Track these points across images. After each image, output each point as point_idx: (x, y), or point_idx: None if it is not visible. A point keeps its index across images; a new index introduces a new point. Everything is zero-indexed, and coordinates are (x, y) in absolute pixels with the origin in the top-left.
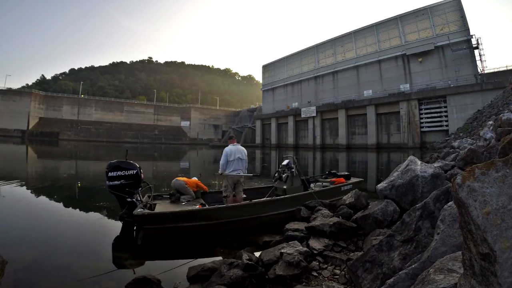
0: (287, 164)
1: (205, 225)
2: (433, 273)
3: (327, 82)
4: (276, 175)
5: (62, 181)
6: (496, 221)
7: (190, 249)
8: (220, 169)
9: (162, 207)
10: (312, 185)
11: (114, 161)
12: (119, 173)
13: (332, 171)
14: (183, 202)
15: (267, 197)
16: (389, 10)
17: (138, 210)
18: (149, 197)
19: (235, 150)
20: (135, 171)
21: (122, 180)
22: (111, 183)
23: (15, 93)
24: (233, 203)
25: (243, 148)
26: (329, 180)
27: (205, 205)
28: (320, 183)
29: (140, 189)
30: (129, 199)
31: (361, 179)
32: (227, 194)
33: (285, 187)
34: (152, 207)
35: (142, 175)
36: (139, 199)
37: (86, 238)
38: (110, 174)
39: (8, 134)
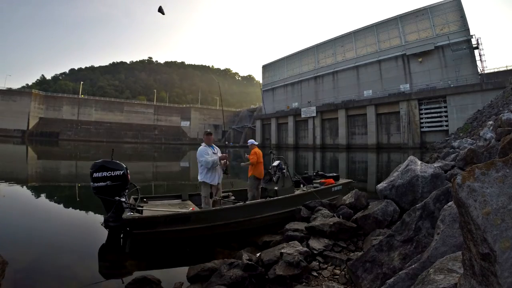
0: (278, 165)
1: (199, 228)
2: (433, 273)
3: (327, 82)
4: (266, 176)
5: (62, 182)
6: (496, 221)
7: (189, 249)
8: None
9: (150, 210)
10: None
11: (99, 160)
12: (104, 173)
13: (320, 172)
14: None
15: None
16: (389, 10)
17: (128, 214)
18: (135, 199)
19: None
20: (121, 172)
21: (108, 182)
22: (96, 184)
23: (15, 93)
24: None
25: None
26: (318, 181)
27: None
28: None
29: (126, 191)
30: (117, 198)
31: (350, 180)
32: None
33: (276, 188)
34: (139, 211)
35: (129, 176)
36: (127, 201)
37: (86, 238)
38: (94, 175)
39: (8, 134)
